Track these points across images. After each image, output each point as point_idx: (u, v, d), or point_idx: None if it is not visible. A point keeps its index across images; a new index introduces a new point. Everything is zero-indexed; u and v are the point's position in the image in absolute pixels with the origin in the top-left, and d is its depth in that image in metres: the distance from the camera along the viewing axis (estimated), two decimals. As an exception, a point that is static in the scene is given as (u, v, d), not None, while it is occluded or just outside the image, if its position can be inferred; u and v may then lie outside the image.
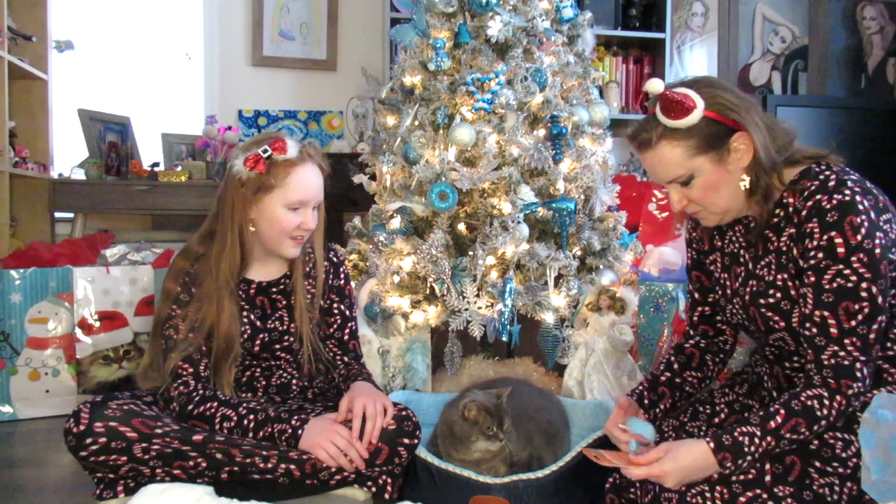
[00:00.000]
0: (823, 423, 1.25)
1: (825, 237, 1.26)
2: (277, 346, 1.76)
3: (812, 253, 1.28)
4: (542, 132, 2.33)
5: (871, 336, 1.26)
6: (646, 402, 1.54)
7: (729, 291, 1.48)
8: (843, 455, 1.29)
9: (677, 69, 4.53)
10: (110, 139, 3.70)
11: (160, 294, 1.75)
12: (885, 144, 3.97)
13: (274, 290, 1.78)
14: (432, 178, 2.23)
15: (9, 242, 3.18)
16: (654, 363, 2.27)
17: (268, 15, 4.12)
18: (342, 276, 1.85)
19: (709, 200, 1.38)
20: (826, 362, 1.26)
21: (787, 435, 1.25)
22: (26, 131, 3.53)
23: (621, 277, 2.40)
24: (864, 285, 1.25)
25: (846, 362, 1.25)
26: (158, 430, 1.54)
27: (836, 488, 1.28)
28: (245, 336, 1.72)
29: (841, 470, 1.28)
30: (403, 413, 1.63)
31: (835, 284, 1.26)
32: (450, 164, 2.23)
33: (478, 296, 2.17)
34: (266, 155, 1.62)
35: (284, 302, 1.78)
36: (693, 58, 4.59)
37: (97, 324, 2.55)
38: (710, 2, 4.59)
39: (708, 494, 1.28)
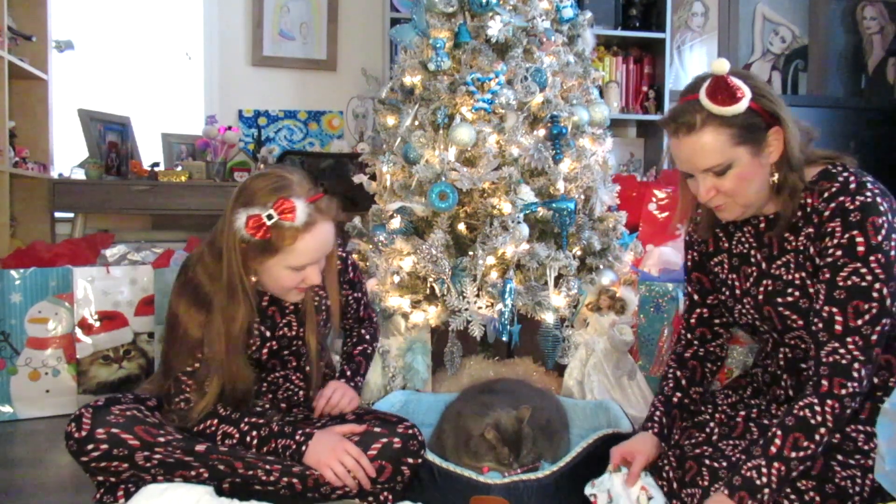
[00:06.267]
0: (823, 430, 1.24)
1: (846, 236, 1.27)
2: (286, 352, 1.71)
3: (831, 251, 1.29)
4: (542, 132, 2.33)
5: (874, 337, 1.26)
6: (665, 431, 1.53)
7: (738, 292, 1.48)
8: (866, 447, 1.30)
9: (677, 69, 4.53)
10: (110, 139, 3.70)
11: (172, 325, 1.59)
12: (885, 144, 3.98)
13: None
14: (432, 178, 2.23)
15: (9, 242, 3.18)
16: (654, 363, 2.28)
17: (268, 15, 4.12)
18: (350, 269, 1.80)
19: (739, 192, 1.35)
20: (825, 359, 1.27)
21: (793, 455, 1.24)
22: (26, 131, 3.53)
23: (621, 277, 2.40)
24: (877, 286, 1.26)
25: (844, 361, 1.26)
26: (161, 439, 1.51)
27: (859, 480, 1.28)
28: (253, 347, 1.66)
29: (863, 462, 1.29)
30: (410, 432, 1.59)
31: (849, 282, 1.27)
32: (450, 164, 2.23)
33: (478, 296, 2.17)
34: (271, 222, 1.46)
35: (292, 307, 1.70)
36: (693, 58, 4.59)
37: (97, 324, 2.55)
38: (710, 2, 4.59)
39: None
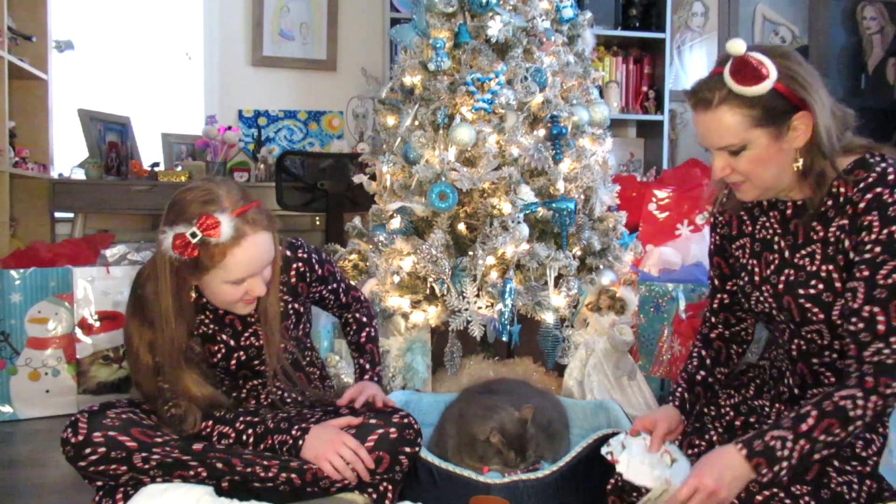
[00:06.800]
0: (859, 423, 1.21)
1: (885, 231, 1.23)
2: (256, 362, 1.66)
3: (869, 247, 1.25)
4: (542, 132, 2.33)
5: None
6: (687, 406, 1.50)
7: (757, 279, 1.44)
8: (864, 454, 1.28)
9: (677, 69, 4.53)
10: (110, 139, 3.71)
11: (127, 347, 1.57)
12: (885, 144, 3.97)
13: None
14: (432, 178, 2.23)
15: (9, 242, 3.18)
16: (654, 363, 2.28)
17: (268, 15, 4.12)
18: (317, 267, 1.72)
19: (754, 174, 1.31)
20: (868, 359, 1.23)
21: (822, 437, 1.21)
22: (26, 131, 3.53)
23: (621, 277, 2.40)
24: None
25: (889, 361, 1.22)
26: (158, 440, 1.51)
27: (855, 486, 1.26)
28: (219, 356, 1.63)
29: (860, 468, 1.27)
30: (405, 420, 1.59)
31: (890, 280, 1.23)
32: (450, 164, 2.23)
33: (478, 296, 2.17)
34: (196, 240, 1.39)
35: (256, 316, 1.62)
36: (693, 58, 4.59)
37: (97, 324, 2.55)
38: (710, 2, 4.59)
39: None
